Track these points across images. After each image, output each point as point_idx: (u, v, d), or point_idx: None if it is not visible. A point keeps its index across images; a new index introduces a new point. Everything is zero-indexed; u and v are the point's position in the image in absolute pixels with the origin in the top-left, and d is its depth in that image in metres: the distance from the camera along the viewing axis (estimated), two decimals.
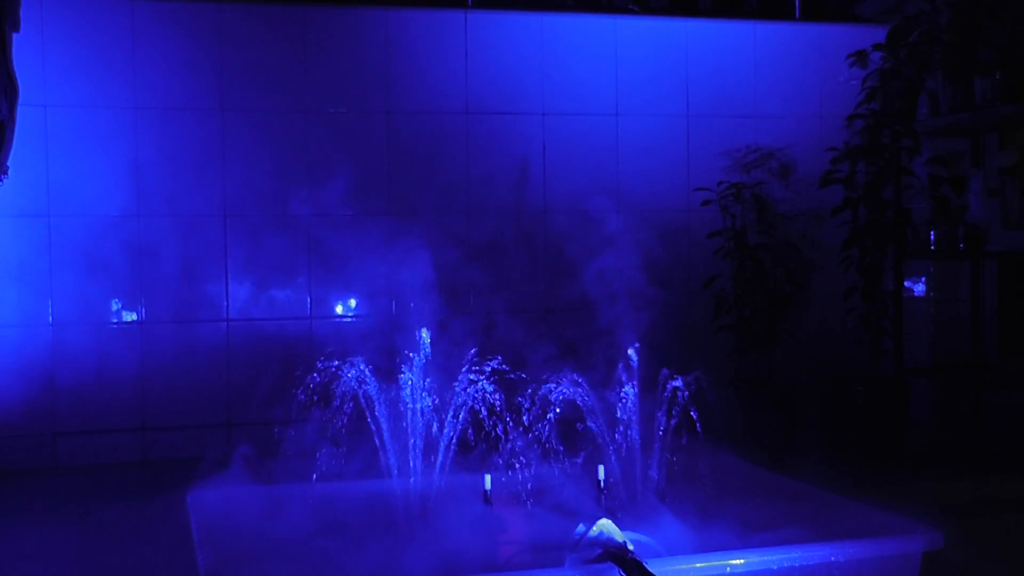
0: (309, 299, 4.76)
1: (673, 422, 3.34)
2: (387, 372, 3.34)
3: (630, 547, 2.55)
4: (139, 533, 3.35)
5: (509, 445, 3.21)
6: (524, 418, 3.23)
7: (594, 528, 2.59)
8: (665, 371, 3.36)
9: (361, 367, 3.23)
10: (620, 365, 3.39)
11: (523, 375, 3.31)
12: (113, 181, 4.52)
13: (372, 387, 3.23)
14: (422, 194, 4.88)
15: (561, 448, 3.27)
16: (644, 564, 2.44)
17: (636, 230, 5.12)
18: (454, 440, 3.26)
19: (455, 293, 4.84)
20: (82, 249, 4.48)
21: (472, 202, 4.93)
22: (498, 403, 3.23)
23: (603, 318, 4.93)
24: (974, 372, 4.85)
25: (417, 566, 2.78)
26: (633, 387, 3.35)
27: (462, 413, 3.25)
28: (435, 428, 3.26)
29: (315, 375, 3.26)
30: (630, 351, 3.39)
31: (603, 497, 3.18)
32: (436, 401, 3.28)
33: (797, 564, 2.60)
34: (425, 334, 3.29)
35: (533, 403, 3.24)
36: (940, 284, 5.27)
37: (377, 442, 3.25)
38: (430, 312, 4.75)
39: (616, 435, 3.34)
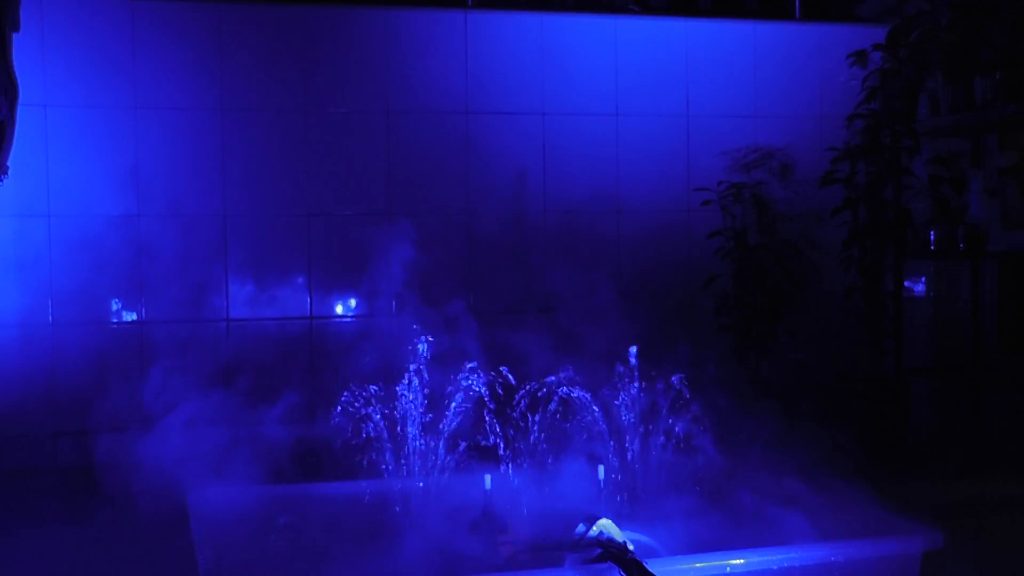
0: (309, 299, 4.76)
1: (672, 422, 3.35)
2: (384, 373, 3.34)
3: (630, 547, 2.55)
4: (139, 533, 3.35)
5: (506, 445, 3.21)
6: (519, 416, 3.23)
7: (594, 528, 2.58)
8: (664, 370, 3.36)
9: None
10: (619, 365, 3.39)
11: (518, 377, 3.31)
12: (113, 181, 4.52)
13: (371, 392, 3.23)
14: (422, 194, 4.88)
15: (559, 447, 3.27)
16: (644, 564, 2.44)
17: (636, 230, 5.13)
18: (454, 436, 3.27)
19: (455, 293, 4.83)
20: (82, 249, 4.48)
21: (472, 202, 4.93)
22: (493, 405, 3.24)
23: (603, 318, 4.94)
24: (974, 372, 4.85)
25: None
26: (632, 387, 3.35)
27: (459, 413, 3.25)
28: (442, 425, 3.26)
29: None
30: (629, 351, 3.38)
31: (603, 497, 3.18)
32: (435, 402, 3.28)
33: (797, 564, 2.61)
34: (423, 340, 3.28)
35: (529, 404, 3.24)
36: (940, 284, 5.27)
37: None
38: (430, 312, 4.76)
39: (615, 434, 3.34)
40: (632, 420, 3.35)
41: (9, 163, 3.65)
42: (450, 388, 3.29)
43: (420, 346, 3.25)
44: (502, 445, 3.23)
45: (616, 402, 3.35)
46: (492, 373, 3.30)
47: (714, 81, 5.23)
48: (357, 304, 4.82)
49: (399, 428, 3.25)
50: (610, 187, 5.08)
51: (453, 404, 3.26)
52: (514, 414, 3.27)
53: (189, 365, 4.59)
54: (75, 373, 4.44)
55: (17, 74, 3.68)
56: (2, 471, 4.31)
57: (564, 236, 5.02)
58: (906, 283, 5.16)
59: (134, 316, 4.55)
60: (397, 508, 3.21)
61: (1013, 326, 4.89)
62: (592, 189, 5.06)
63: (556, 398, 3.29)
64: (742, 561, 2.58)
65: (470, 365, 3.30)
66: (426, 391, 3.26)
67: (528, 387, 3.30)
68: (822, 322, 5.21)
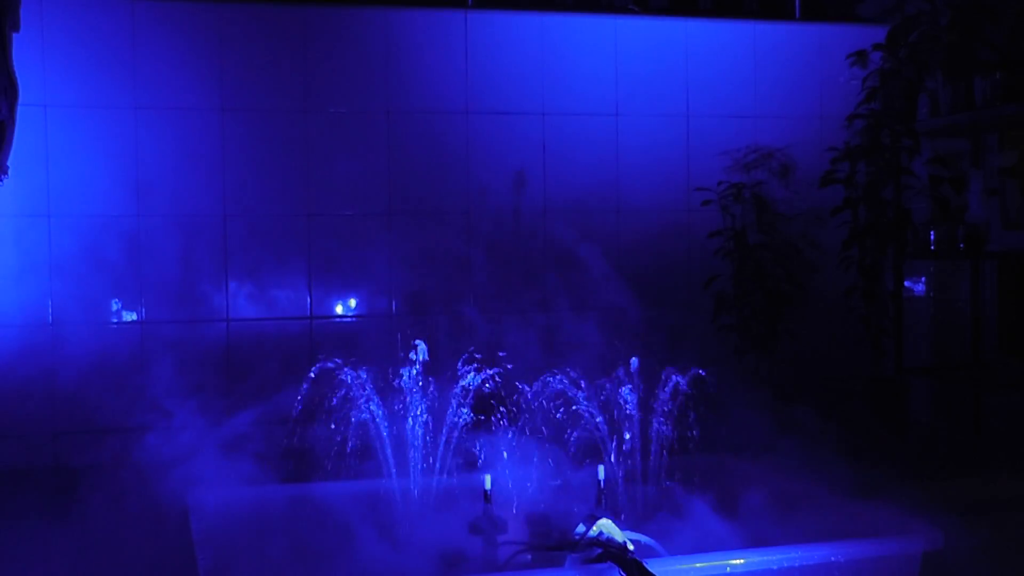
0: (309, 299, 4.76)
1: (673, 422, 3.35)
2: (384, 373, 3.34)
3: (630, 547, 2.55)
4: (139, 532, 3.35)
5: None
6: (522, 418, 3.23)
7: (594, 528, 2.58)
8: (665, 371, 3.36)
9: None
10: (619, 365, 3.39)
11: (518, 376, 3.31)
12: (113, 181, 4.52)
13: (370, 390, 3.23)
14: (422, 194, 4.88)
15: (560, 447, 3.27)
16: (644, 564, 2.44)
17: (636, 230, 5.13)
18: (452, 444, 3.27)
19: (455, 293, 4.84)
20: (82, 249, 4.48)
21: (472, 202, 4.93)
22: (495, 410, 3.24)
23: (603, 318, 4.94)
24: (974, 372, 4.85)
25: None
26: (633, 387, 3.35)
27: (461, 415, 3.25)
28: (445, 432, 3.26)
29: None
30: (629, 350, 3.38)
31: (603, 497, 3.18)
32: (437, 403, 3.28)
33: (797, 564, 2.60)
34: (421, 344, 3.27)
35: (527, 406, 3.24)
36: (940, 284, 5.27)
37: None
38: (430, 311, 4.76)
39: (615, 434, 3.34)
40: (631, 419, 3.35)
41: (9, 163, 3.65)
42: (450, 387, 3.29)
43: (419, 345, 3.25)
44: (497, 445, 3.24)
45: (612, 400, 3.34)
46: (491, 372, 3.29)
47: (714, 81, 5.23)
48: (357, 304, 4.82)
49: (399, 427, 3.25)
50: (610, 187, 5.08)
51: (453, 403, 3.26)
52: (499, 414, 3.27)
53: (189, 365, 4.60)
54: (75, 373, 4.44)
55: (17, 74, 3.68)
56: (2, 471, 4.31)
57: (564, 236, 5.02)
58: (906, 283, 5.16)
59: (134, 316, 4.55)
60: (397, 507, 3.21)
61: (1013, 326, 4.89)
62: (592, 189, 5.06)
63: (555, 396, 3.29)
64: (742, 561, 2.58)
65: (469, 364, 3.30)
66: (427, 390, 3.26)
67: (528, 386, 3.30)
68: (822, 322, 5.22)
